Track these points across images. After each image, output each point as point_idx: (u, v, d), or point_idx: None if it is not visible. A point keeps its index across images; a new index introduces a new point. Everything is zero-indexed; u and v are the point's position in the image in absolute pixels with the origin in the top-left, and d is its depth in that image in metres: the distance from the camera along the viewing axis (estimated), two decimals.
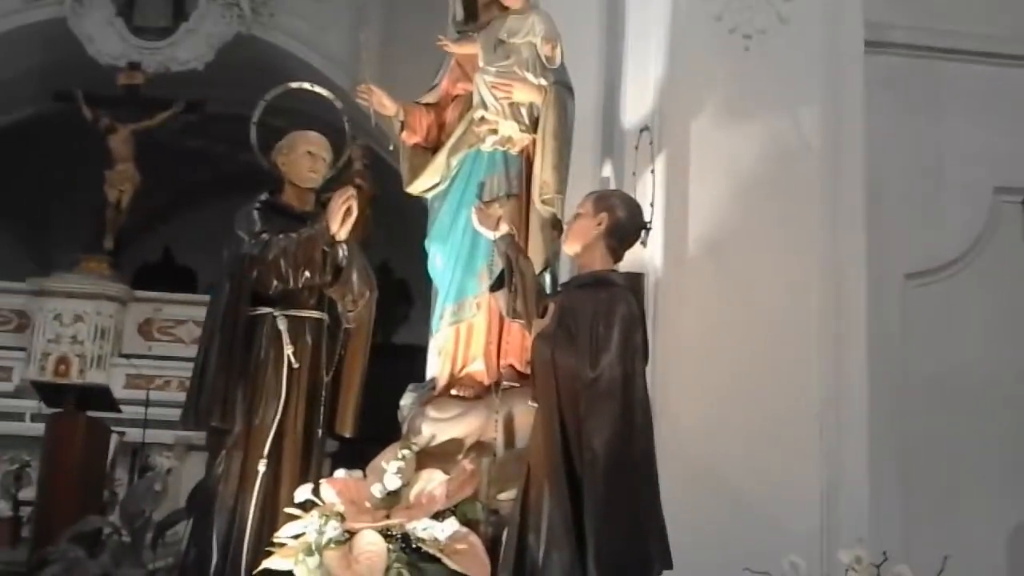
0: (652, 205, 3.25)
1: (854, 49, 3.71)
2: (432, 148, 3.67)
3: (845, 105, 3.68)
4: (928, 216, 3.74)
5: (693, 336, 3.54)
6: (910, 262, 3.64)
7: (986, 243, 3.99)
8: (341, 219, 3.44)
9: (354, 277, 3.57)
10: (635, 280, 2.99)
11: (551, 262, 3.50)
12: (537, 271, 3.31)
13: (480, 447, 3.31)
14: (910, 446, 3.47)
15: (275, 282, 3.45)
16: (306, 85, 3.95)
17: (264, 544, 3.16)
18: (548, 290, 3.37)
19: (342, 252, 3.51)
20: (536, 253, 3.40)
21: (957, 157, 4.01)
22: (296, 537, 3.05)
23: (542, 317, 3.04)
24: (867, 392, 3.50)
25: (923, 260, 3.64)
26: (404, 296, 10.70)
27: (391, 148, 3.78)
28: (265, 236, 3.47)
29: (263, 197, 3.68)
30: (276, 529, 3.15)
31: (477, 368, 3.49)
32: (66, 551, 4.53)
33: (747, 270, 3.62)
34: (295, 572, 2.98)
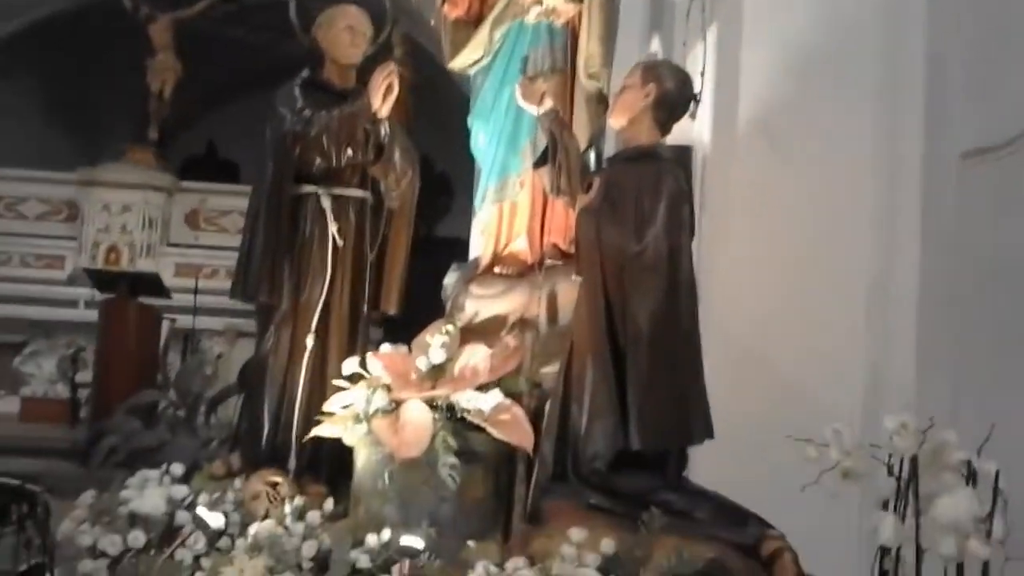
0: (702, 75, 3.15)
1: None
2: (474, 21, 3.57)
3: None
4: (987, 94, 3.59)
5: (740, 213, 3.49)
6: (967, 140, 3.52)
7: None
8: (383, 95, 3.40)
9: (396, 155, 3.56)
10: (683, 154, 2.94)
11: (596, 138, 3.44)
12: (582, 147, 3.26)
13: (523, 323, 3.32)
14: (960, 326, 3.42)
15: (318, 159, 3.45)
16: None
17: (313, 415, 3.25)
18: (592, 166, 3.33)
19: (384, 129, 3.49)
20: (581, 129, 3.34)
21: (1019, 30, 3.81)
22: (344, 407, 3.13)
23: (586, 193, 3.02)
24: (918, 275, 3.43)
25: (980, 139, 3.51)
26: (445, 188, 10.68)
27: (432, 23, 3.69)
28: (307, 113, 3.45)
29: (304, 74, 3.64)
30: (324, 401, 3.23)
31: (520, 246, 3.49)
32: (123, 423, 4.71)
33: (798, 146, 3.52)
34: (344, 439, 3.07)
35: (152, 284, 7.72)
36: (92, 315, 7.85)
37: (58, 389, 8.84)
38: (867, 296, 3.54)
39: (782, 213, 3.52)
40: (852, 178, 3.59)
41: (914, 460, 2.23)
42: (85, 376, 8.13)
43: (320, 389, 3.37)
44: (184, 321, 8.30)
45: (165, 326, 7.82)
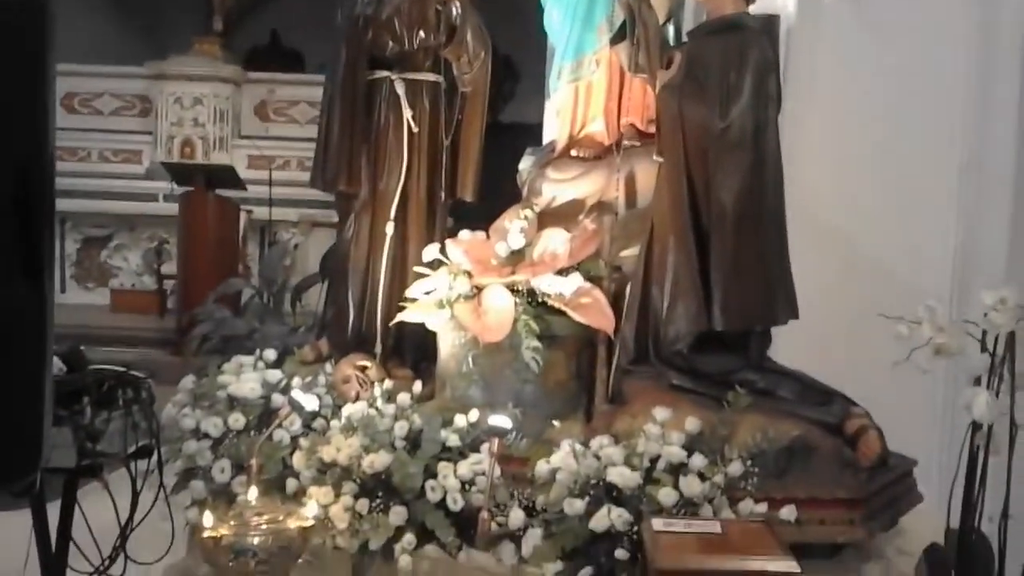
0: None
1: None
2: None
3: None
4: None
5: (828, 86, 3.35)
6: None
7: None
8: None
9: (468, 37, 3.49)
10: (769, 23, 2.80)
11: (675, 11, 3.31)
12: (661, 21, 3.14)
13: (601, 207, 3.29)
14: None
15: (390, 43, 3.41)
16: None
17: (396, 301, 3.30)
18: (672, 41, 3.21)
19: (456, 10, 3.42)
20: (659, 1, 3.21)
21: None
22: (427, 293, 3.17)
23: (667, 69, 2.92)
24: (1014, 151, 3.28)
25: None
26: (509, 73, 10.47)
27: None
28: None
29: None
30: (406, 287, 3.27)
31: (597, 128, 3.42)
32: (213, 311, 4.85)
33: (887, 12, 3.34)
34: (427, 324, 3.12)
35: (227, 176, 7.82)
36: (172, 208, 8.02)
37: (144, 281, 9.16)
38: (959, 171, 3.41)
39: (871, 84, 3.37)
40: (944, 46, 3.41)
41: (1011, 336, 2.18)
42: (170, 268, 8.38)
43: (401, 276, 3.41)
44: (260, 213, 8.44)
45: (242, 217, 7.96)
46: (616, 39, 3.09)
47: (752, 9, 2.89)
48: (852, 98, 3.38)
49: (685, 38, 3.10)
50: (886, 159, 3.40)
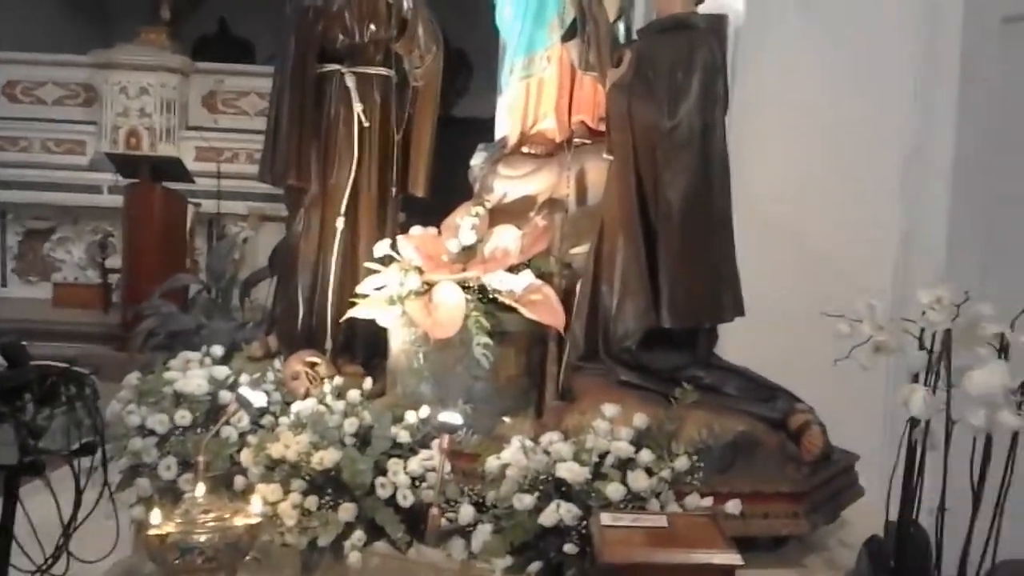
0: None
1: None
2: None
3: None
4: None
5: (775, 84, 3.40)
6: (1009, 4, 3.38)
7: None
8: None
9: (420, 31, 3.47)
10: (718, 22, 2.83)
11: (626, 9, 3.34)
12: (611, 19, 3.16)
13: (552, 203, 3.31)
14: (995, 196, 3.37)
15: (340, 36, 3.38)
16: None
17: (346, 297, 3.28)
18: (622, 39, 3.23)
19: (407, 4, 3.41)
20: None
21: None
22: (377, 289, 3.15)
23: (617, 67, 2.94)
24: (953, 141, 3.36)
25: (1021, 3, 3.37)
26: (463, 66, 10.45)
27: None
28: None
29: None
30: (357, 283, 3.25)
31: (548, 125, 3.43)
32: (159, 306, 4.78)
33: (834, 14, 3.41)
34: (378, 320, 3.11)
35: (174, 168, 7.70)
36: (117, 200, 7.87)
37: (88, 275, 8.97)
38: (902, 167, 3.49)
39: (817, 81, 3.43)
40: (890, 46, 3.49)
41: (947, 333, 2.24)
42: (114, 261, 8.23)
43: (352, 271, 3.39)
44: (208, 206, 8.33)
45: (190, 210, 7.84)
46: (567, 36, 3.10)
47: (701, 8, 2.92)
48: (798, 95, 3.44)
49: (635, 36, 3.13)
50: (831, 155, 3.47)
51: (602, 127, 3.16)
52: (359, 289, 3.20)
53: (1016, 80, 3.32)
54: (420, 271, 3.11)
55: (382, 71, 3.50)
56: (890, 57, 3.42)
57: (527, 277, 3.03)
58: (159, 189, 7.42)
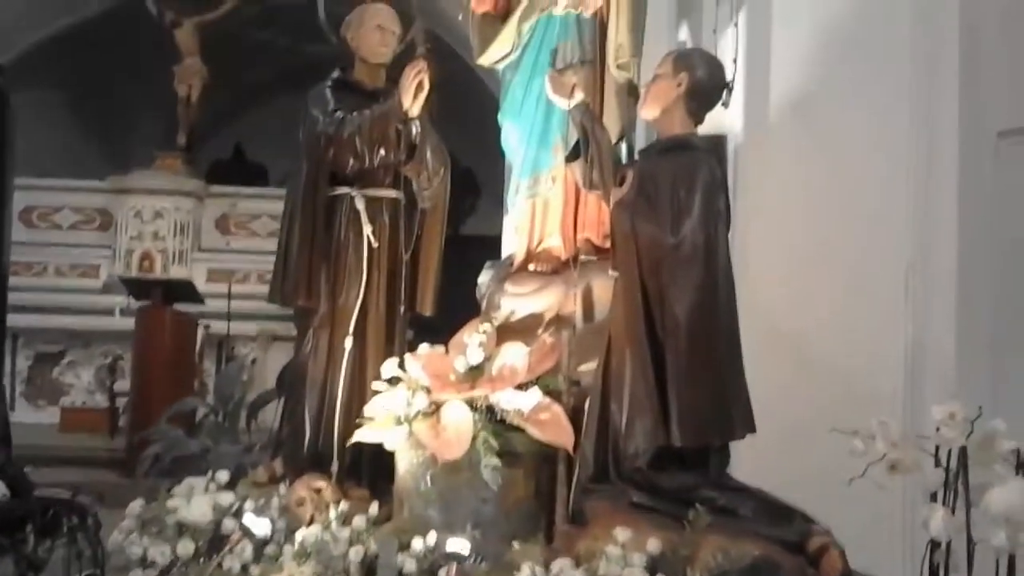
0: (734, 62, 3.12)
1: None
2: (502, 16, 3.54)
3: None
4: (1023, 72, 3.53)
5: (775, 200, 3.45)
6: (1005, 119, 3.46)
7: None
8: (413, 94, 3.40)
9: (428, 154, 3.57)
10: (717, 143, 2.91)
11: (627, 130, 3.41)
12: (613, 140, 3.24)
13: (559, 321, 3.31)
14: (1000, 307, 3.37)
15: (351, 160, 3.46)
16: None
17: (354, 418, 3.25)
18: (625, 159, 3.30)
19: (415, 128, 3.49)
20: (612, 121, 3.32)
21: None
22: (384, 410, 3.13)
23: (620, 186, 2.99)
24: (956, 252, 3.38)
25: (1019, 117, 3.45)
26: (471, 186, 10.66)
27: (460, 18, 3.68)
28: (339, 114, 3.46)
29: (335, 75, 3.66)
30: (365, 403, 3.23)
31: (554, 243, 3.47)
32: (166, 431, 4.75)
33: (833, 130, 3.48)
34: (386, 442, 3.07)
35: (186, 290, 7.77)
36: (128, 323, 7.91)
37: (97, 399, 8.94)
38: (905, 280, 3.49)
39: (818, 198, 3.48)
40: (888, 160, 3.54)
41: (963, 451, 2.20)
42: (123, 385, 8.20)
43: (360, 392, 3.38)
44: (217, 327, 8.36)
45: (200, 332, 7.87)
46: (571, 157, 3.17)
47: (700, 129, 2.99)
48: (799, 209, 3.49)
49: (637, 157, 3.19)
50: (834, 266, 3.49)
51: (607, 244, 3.19)
52: (366, 410, 3.18)
53: (1013, 192, 3.37)
54: (428, 391, 3.10)
55: (391, 193, 3.57)
56: (887, 170, 3.48)
57: (535, 395, 3.01)
58: (170, 311, 7.46)
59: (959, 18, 3.45)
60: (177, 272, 9.12)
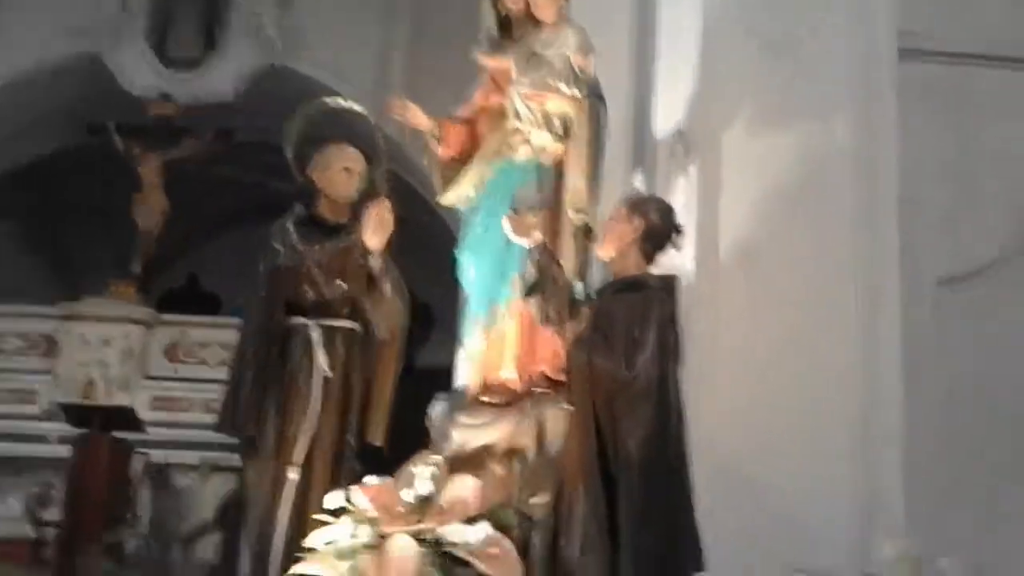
0: (687, 209, 3.27)
1: (887, 57, 3.74)
2: (465, 161, 3.70)
3: (877, 113, 3.70)
4: (961, 222, 3.74)
5: (726, 342, 3.54)
6: (943, 267, 3.64)
7: (1019, 248, 3.98)
8: (375, 230, 3.49)
9: (387, 288, 3.62)
10: (670, 282, 3.02)
11: (584, 270, 3.50)
12: (570, 279, 3.32)
13: (512, 453, 3.29)
14: (947, 452, 3.44)
15: (310, 292, 3.50)
16: (341, 100, 4.01)
17: (295, 551, 3.15)
18: (581, 297, 3.38)
19: (376, 262, 3.56)
20: (569, 261, 3.40)
21: (989, 163, 4.02)
22: (327, 543, 3.04)
23: (575, 322, 3.06)
24: (902, 398, 3.47)
25: (956, 265, 3.64)
26: (426, 319, 10.72)
27: (424, 161, 3.82)
28: (301, 247, 3.53)
29: (299, 210, 3.74)
30: (306, 536, 3.14)
31: (508, 375, 3.49)
32: (95, 564, 4.53)
33: (779, 277, 3.62)
34: None
35: (126, 418, 7.59)
36: (64, 451, 7.67)
37: (24, 528, 8.52)
38: (853, 424, 3.56)
39: (766, 343, 3.57)
40: (832, 307, 3.67)
41: None
42: (53, 514, 7.86)
43: (303, 523, 3.29)
44: (157, 455, 8.13)
45: (138, 461, 7.64)
46: (528, 293, 3.24)
47: (653, 270, 3.09)
48: (750, 351, 3.57)
49: (593, 295, 3.28)
50: (785, 413, 3.54)
51: (562, 377, 3.23)
52: (307, 543, 3.09)
53: (953, 340, 3.50)
54: (374, 523, 3.03)
55: (348, 324, 3.60)
56: (832, 319, 3.61)
57: (484, 529, 2.96)
58: (107, 439, 7.26)
59: (897, 173, 3.67)
60: (120, 399, 8.90)
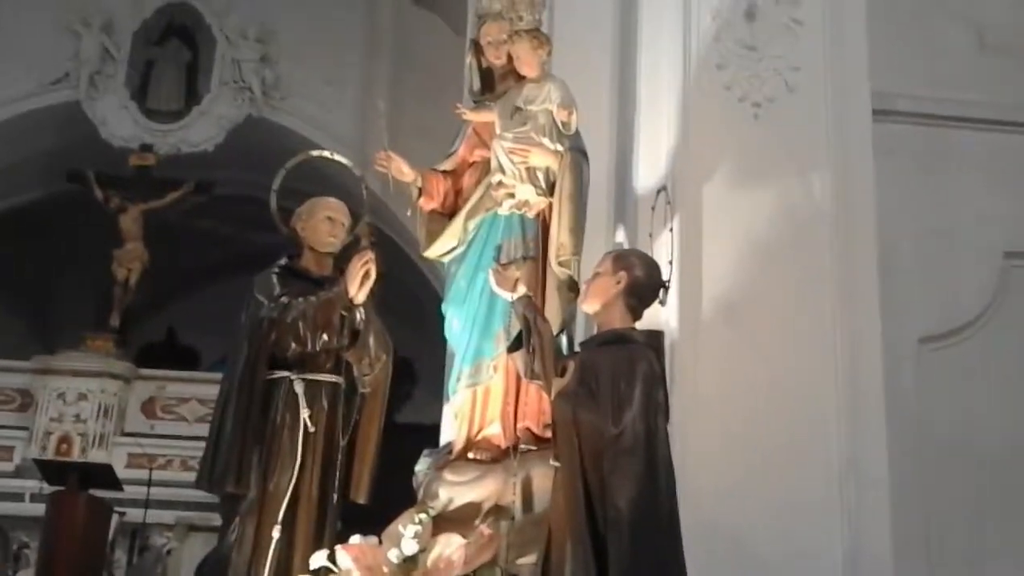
0: (671, 263, 3.29)
1: (862, 117, 3.82)
2: (449, 214, 3.71)
3: (854, 171, 3.77)
4: (940, 280, 3.79)
5: (710, 397, 3.54)
6: (924, 326, 3.68)
7: (998, 306, 4.04)
8: (359, 282, 3.48)
9: (371, 340, 3.59)
10: (655, 337, 3.02)
11: (568, 324, 3.50)
12: (555, 332, 3.32)
13: (498, 511, 3.26)
14: (932, 509, 3.45)
15: (293, 345, 3.46)
16: (326, 153, 4.03)
17: None
18: (565, 351, 3.37)
19: (360, 315, 3.54)
20: (553, 314, 3.41)
21: (966, 223, 4.09)
22: None
23: (561, 377, 3.04)
24: (886, 455, 3.48)
25: (937, 324, 3.68)
26: (408, 375, 10.67)
27: (408, 214, 3.83)
28: (284, 299, 3.50)
29: (282, 262, 3.72)
30: None
31: (494, 431, 3.47)
32: None
33: (761, 333, 3.64)
34: None
35: (103, 475, 7.46)
36: (39, 509, 7.52)
37: None
38: (838, 479, 3.56)
39: (750, 398, 3.58)
40: (815, 363, 3.69)
41: None
42: (27, 574, 7.68)
43: None
44: (133, 515, 7.97)
45: (114, 520, 7.49)
46: (513, 347, 3.22)
47: (638, 324, 3.09)
48: (734, 407, 3.58)
49: (578, 348, 3.27)
50: (768, 464, 3.54)
51: (548, 434, 3.20)
52: None
53: (935, 397, 3.52)
54: None
55: (331, 378, 3.56)
56: (814, 376, 3.62)
57: None
58: (83, 497, 7.12)
59: (875, 233, 3.73)
60: (96, 456, 8.76)
